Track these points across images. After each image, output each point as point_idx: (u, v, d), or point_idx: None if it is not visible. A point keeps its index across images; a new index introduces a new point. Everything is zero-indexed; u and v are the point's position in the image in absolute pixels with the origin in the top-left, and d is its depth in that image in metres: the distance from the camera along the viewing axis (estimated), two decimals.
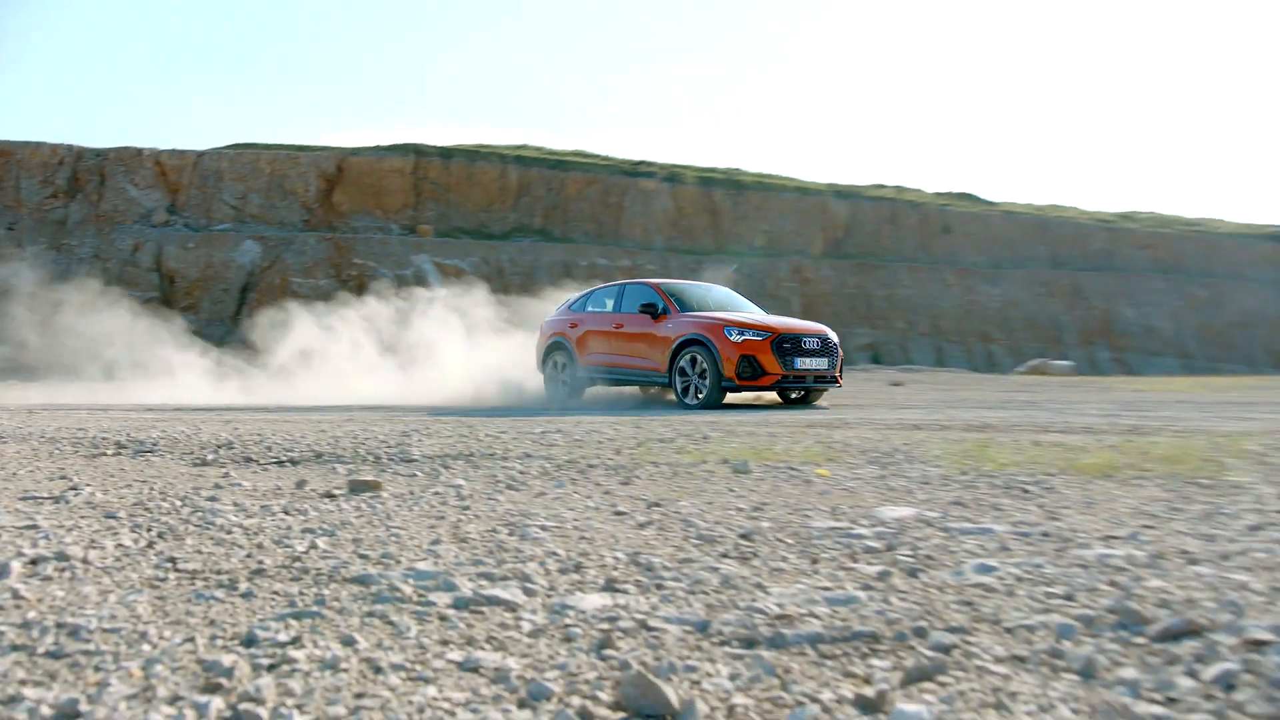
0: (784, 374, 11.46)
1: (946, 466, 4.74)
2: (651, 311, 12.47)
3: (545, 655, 1.60)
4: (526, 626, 1.77)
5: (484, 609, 1.90)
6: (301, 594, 2.02)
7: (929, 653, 1.57)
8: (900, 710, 1.29)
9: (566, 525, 2.89)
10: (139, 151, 36.84)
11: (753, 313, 13.25)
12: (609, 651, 1.61)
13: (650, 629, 1.75)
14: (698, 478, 4.23)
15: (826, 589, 2.04)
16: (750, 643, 1.65)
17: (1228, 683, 1.43)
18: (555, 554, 2.43)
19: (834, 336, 12.43)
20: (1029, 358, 36.84)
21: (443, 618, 1.84)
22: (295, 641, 1.67)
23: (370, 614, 1.86)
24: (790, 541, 2.66)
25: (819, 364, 11.84)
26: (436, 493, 3.63)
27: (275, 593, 2.04)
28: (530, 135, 64.87)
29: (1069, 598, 1.94)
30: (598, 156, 44.31)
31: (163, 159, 36.96)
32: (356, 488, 3.85)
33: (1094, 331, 45.05)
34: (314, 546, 2.52)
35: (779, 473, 4.45)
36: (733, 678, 1.47)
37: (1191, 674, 1.46)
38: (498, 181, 40.51)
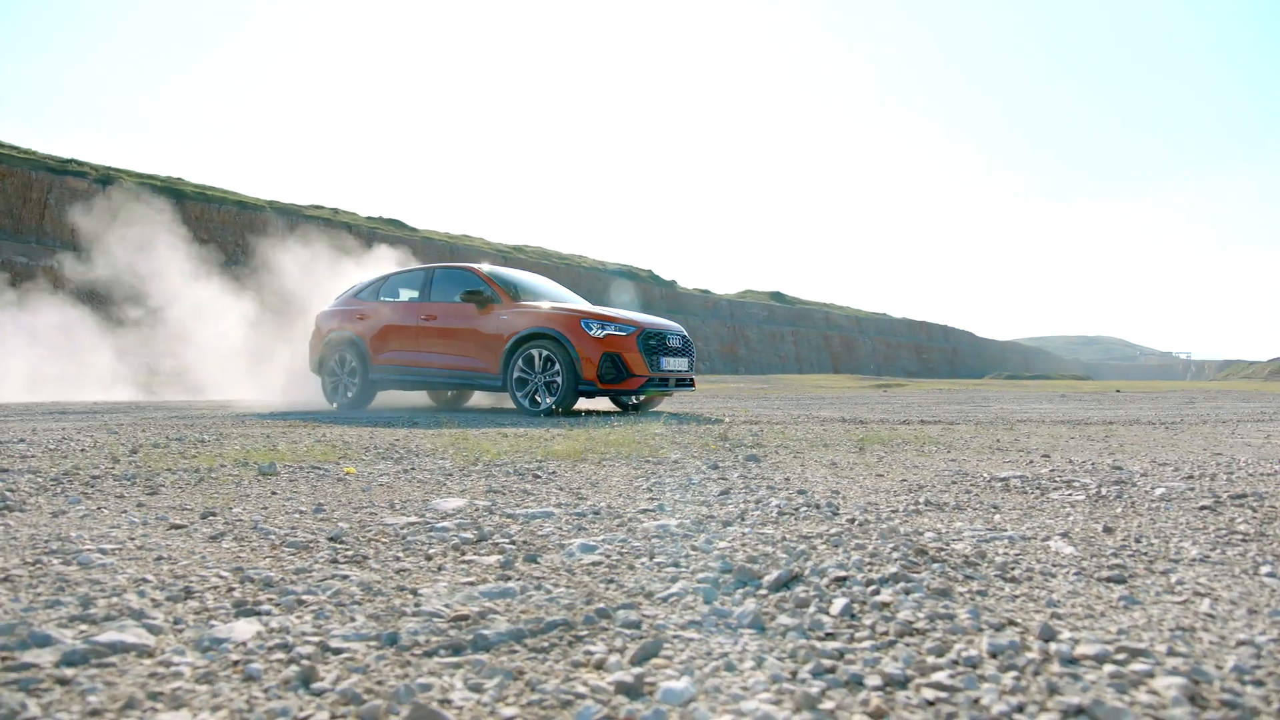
0: (650, 375, 9.04)
1: (452, 457, 4.68)
2: (476, 301, 9.48)
3: (242, 704, 1.20)
4: (188, 672, 1.32)
5: (112, 660, 1.37)
6: None
7: (627, 630, 1.49)
8: (667, 689, 1.20)
9: (129, 545, 2.26)
10: None
11: (583, 303, 10.30)
12: (319, 684, 1.27)
13: (338, 651, 1.41)
14: (227, 482, 3.64)
15: (473, 583, 1.86)
16: (456, 649, 1.42)
17: (851, 613, 1.58)
18: (145, 580, 1.88)
19: (687, 334, 10.22)
20: None
21: (64, 682, 1.28)
22: None
23: None
24: (386, 540, 2.39)
25: (681, 364, 9.61)
26: None
27: None
28: None
29: (678, 565, 2.01)
30: (15, 148, 36.37)
31: None
32: None
33: None
34: None
35: (306, 472, 4.02)
36: (475, 689, 1.24)
37: (824, 611, 1.59)
38: None
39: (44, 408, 10.73)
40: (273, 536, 2.43)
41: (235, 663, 1.37)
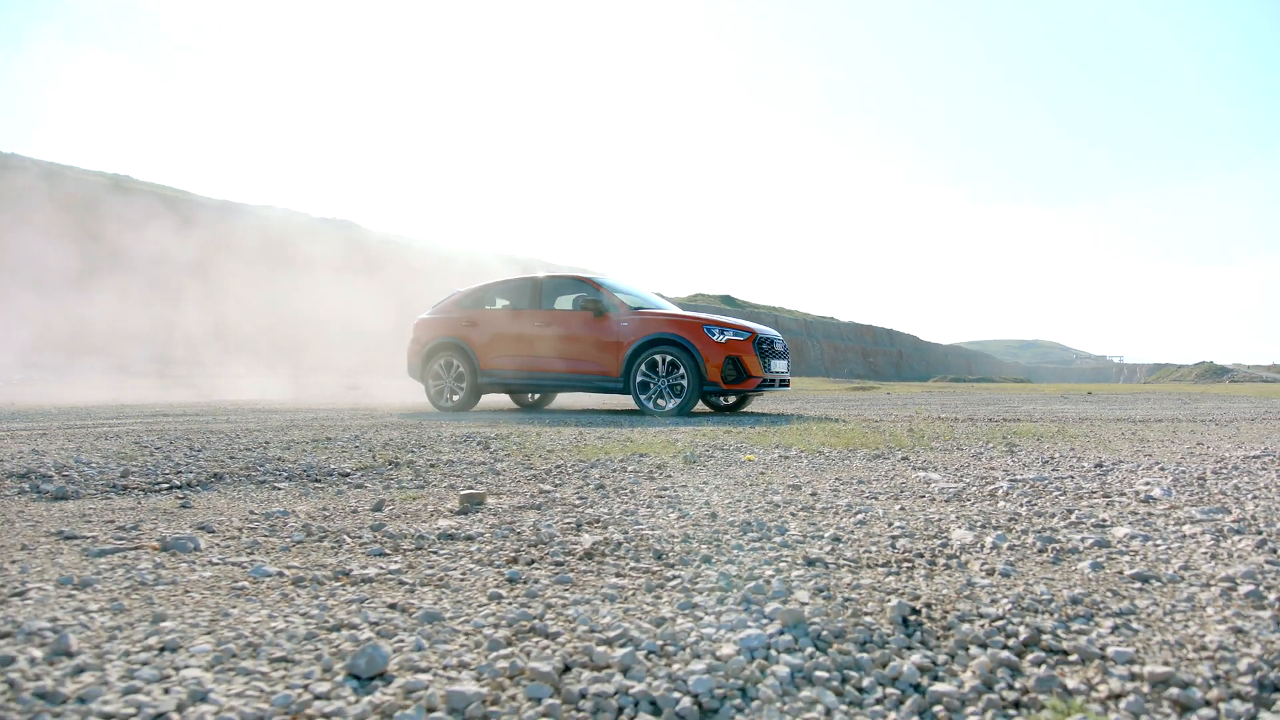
0: (765, 376, 9.98)
1: (775, 449, 5.66)
2: (594, 309, 10.35)
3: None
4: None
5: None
6: None
7: None
8: None
9: (847, 505, 3.31)
10: None
11: (676, 308, 11.05)
12: None
13: None
14: (686, 471, 4.49)
15: None
16: None
17: None
18: (991, 519, 2.97)
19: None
20: None
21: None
22: None
23: None
24: (1060, 494, 3.49)
25: (782, 366, 10.60)
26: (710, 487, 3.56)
27: None
28: None
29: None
30: None
31: None
32: (469, 502, 3.33)
33: None
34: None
35: (721, 460, 4.92)
36: None
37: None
38: None
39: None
40: (927, 493, 3.48)
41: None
